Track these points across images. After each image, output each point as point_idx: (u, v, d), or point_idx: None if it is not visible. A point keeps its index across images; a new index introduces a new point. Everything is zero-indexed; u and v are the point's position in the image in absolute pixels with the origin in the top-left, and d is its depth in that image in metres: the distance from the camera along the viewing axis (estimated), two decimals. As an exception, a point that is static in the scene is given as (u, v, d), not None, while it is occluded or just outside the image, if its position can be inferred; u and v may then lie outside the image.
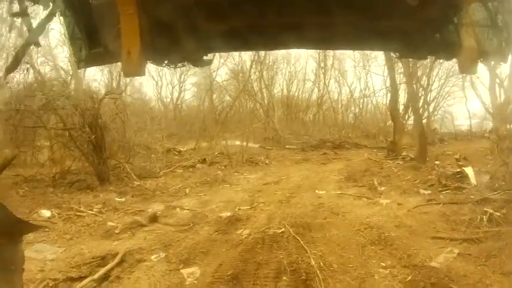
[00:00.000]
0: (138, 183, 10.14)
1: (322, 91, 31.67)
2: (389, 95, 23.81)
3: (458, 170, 9.13)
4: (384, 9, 3.03)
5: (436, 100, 26.54)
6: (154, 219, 6.89)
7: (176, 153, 17.46)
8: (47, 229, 6.26)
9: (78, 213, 7.26)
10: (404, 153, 14.49)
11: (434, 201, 7.40)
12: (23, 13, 3.29)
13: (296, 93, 32.62)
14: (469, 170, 8.77)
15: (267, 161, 16.08)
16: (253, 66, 24.73)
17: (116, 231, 6.19)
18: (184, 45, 3.41)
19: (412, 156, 13.37)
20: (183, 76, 26.78)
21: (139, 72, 3.13)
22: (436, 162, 11.39)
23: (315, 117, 32.98)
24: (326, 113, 32.67)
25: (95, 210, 7.56)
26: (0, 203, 2.38)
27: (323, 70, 29.16)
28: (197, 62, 3.93)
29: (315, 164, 15.36)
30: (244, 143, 17.61)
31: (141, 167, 11.90)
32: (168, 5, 2.98)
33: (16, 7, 3.51)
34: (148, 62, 3.40)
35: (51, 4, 3.13)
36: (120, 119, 11.84)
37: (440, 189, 8.38)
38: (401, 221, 6.28)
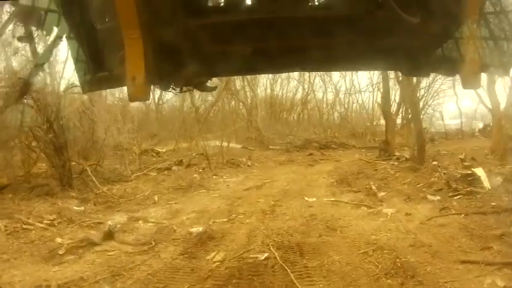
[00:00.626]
0: (104, 188, 9.28)
1: (307, 89, 31.46)
2: (378, 93, 24.35)
3: (467, 171, 8.12)
4: (386, 27, 2.99)
5: (424, 98, 25.64)
6: (109, 236, 5.97)
7: (154, 154, 16.57)
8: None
9: (25, 226, 6.46)
10: (397, 153, 13.94)
11: (450, 211, 6.44)
12: (29, 37, 3.35)
13: (280, 92, 32.37)
14: (480, 172, 7.81)
15: (249, 163, 15.17)
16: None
17: (60, 252, 5.34)
18: (188, 69, 3.44)
19: (407, 157, 12.70)
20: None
21: (145, 97, 3.12)
22: (434, 162, 10.56)
23: (299, 116, 32.75)
24: (311, 113, 32.61)
25: (45, 222, 6.70)
26: None
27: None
28: (201, 86, 4.04)
29: (301, 165, 14.61)
30: (226, 144, 17.13)
31: (111, 169, 11.27)
32: (172, 29, 3.00)
33: (21, 31, 3.63)
34: (153, 86, 3.47)
35: (55, 28, 3.29)
36: (89, 117, 10.97)
37: (450, 194, 7.39)
38: (416, 238, 5.21)
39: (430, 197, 7.41)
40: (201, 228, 6.26)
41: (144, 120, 21.08)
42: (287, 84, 31.50)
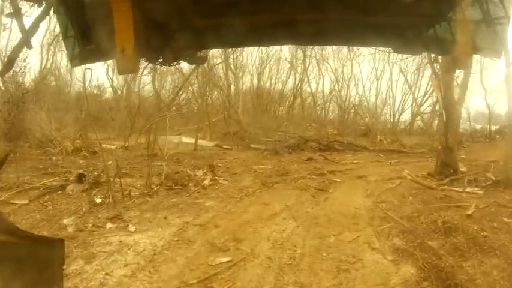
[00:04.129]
0: None
1: (301, 76, 29.46)
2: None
3: None
4: (378, 4, 3.17)
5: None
6: None
7: (87, 154, 14.37)
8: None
9: None
10: (462, 168, 11.33)
11: None
12: (17, 13, 3.35)
13: (269, 82, 30.14)
14: None
15: (207, 180, 11.41)
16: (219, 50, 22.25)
17: None
18: (177, 42, 3.59)
19: (494, 178, 9.84)
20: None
21: (134, 69, 3.31)
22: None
23: (289, 110, 30.06)
24: (305, 104, 30.27)
25: None
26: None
27: (302, 53, 27.28)
28: (191, 59, 4.20)
29: (303, 189, 11.04)
30: (202, 141, 15.48)
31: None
32: (162, 1, 3.13)
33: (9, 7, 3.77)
34: (142, 59, 3.58)
35: (44, 3, 3.28)
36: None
37: None
38: None
39: None
40: None
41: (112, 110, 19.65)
42: (277, 72, 29.81)
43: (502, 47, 3.34)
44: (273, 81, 30.13)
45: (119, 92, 26.90)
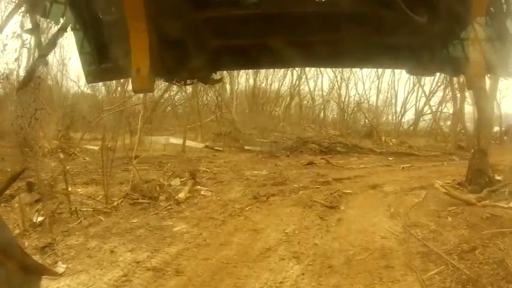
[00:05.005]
0: None
1: (298, 74, 30.94)
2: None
3: None
4: (392, 25, 3.66)
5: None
6: None
7: (63, 156, 14.23)
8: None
9: None
10: (498, 177, 10.96)
11: None
12: (35, 28, 3.88)
13: (265, 81, 31.63)
14: None
15: (182, 193, 10.66)
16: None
17: None
18: (192, 62, 4.10)
19: None
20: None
21: (149, 89, 3.92)
22: None
23: (286, 109, 31.92)
24: (303, 104, 31.94)
25: None
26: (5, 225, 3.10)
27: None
28: (205, 79, 4.72)
29: (307, 204, 10.71)
30: (191, 142, 16.42)
31: None
32: (178, 22, 3.65)
33: (28, 23, 4.32)
34: (157, 78, 4.20)
35: (61, 19, 3.80)
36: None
37: None
38: None
39: None
40: None
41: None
42: (273, 71, 30.71)
43: None
44: (269, 80, 31.64)
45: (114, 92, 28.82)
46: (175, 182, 10.73)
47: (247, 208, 10.02)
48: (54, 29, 4.10)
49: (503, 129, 29.10)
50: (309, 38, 4.18)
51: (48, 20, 4.24)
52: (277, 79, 30.81)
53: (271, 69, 30.34)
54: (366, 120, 27.95)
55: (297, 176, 13.14)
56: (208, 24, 3.95)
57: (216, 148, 18.49)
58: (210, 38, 4.11)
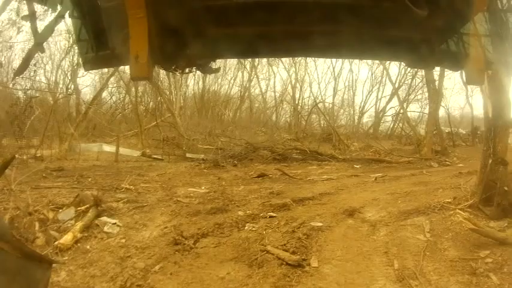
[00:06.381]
0: None
1: (249, 74, 33.64)
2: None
3: None
4: (392, 18, 4.31)
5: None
6: None
7: None
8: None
9: None
10: None
11: None
12: (32, 15, 4.50)
13: (215, 82, 34.02)
14: None
15: (68, 236, 8.27)
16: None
17: None
18: (191, 50, 4.80)
19: None
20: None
21: (147, 76, 4.49)
22: None
23: (236, 112, 34.55)
24: (253, 107, 34.73)
25: None
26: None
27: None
28: (204, 68, 5.54)
29: (255, 256, 8.06)
30: (127, 149, 16.72)
31: None
32: (177, 9, 4.31)
33: (25, 9, 4.85)
34: (156, 66, 4.91)
35: (59, 6, 4.44)
36: None
37: None
38: None
39: None
40: None
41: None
42: (224, 72, 33.02)
43: None
44: (219, 81, 33.77)
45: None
46: (68, 213, 9.02)
47: (157, 268, 7.54)
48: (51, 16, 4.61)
49: (468, 130, 32.18)
50: (308, 28, 4.78)
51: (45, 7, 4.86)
52: (227, 81, 33.25)
53: (221, 72, 32.10)
54: (323, 123, 30.39)
55: (245, 194, 11.77)
56: (207, 13, 4.46)
57: (154, 156, 18.54)
58: (209, 26, 4.69)
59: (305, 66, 34.21)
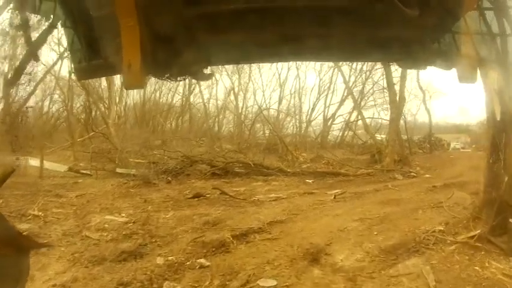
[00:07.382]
0: None
1: (190, 85, 35.97)
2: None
3: None
4: (383, 18, 4.72)
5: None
6: None
7: None
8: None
9: None
10: None
11: None
12: (25, 25, 5.05)
13: (155, 92, 36.64)
14: None
15: None
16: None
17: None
18: (184, 57, 5.34)
19: None
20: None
21: (140, 84, 5.07)
22: None
23: (176, 122, 37.86)
24: (194, 116, 36.76)
25: None
26: (1, 215, 3.83)
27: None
28: (197, 74, 6.17)
29: None
30: (54, 164, 17.27)
31: None
32: (169, 17, 4.79)
33: (18, 19, 5.32)
34: (149, 74, 5.41)
35: (51, 16, 4.95)
36: None
37: None
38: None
39: None
40: None
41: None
42: (163, 82, 35.32)
43: (507, 59, 5.24)
44: (161, 91, 36.56)
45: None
46: None
47: None
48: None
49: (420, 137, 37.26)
50: (299, 32, 5.22)
51: (38, 17, 5.17)
52: (168, 90, 36.05)
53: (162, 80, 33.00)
54: (268, 132, 32.05)
55: (174, 225, 11.13)
56: (199, 20, 4.89)
57: (82, 171, 19.47)
58: (201, 33, 5.15)
59: (249, 73, 37.51)
